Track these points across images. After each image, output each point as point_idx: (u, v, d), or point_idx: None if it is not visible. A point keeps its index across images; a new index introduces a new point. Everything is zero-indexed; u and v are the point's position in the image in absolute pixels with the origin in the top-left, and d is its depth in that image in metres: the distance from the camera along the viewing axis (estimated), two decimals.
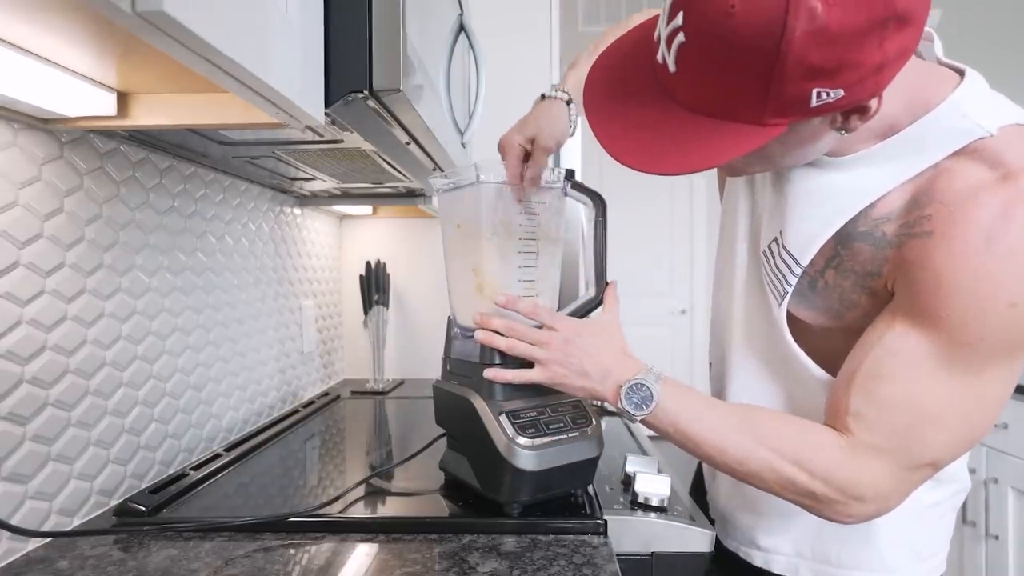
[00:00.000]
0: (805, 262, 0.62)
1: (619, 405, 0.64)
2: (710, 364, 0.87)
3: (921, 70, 0.57)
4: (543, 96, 0.79)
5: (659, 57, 0.52)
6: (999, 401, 0.56)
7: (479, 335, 0.73)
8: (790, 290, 0.64)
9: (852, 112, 0.50)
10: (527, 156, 0.74)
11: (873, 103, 0.49)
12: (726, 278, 0.79)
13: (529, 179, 0.74)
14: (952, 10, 3.21)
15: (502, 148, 0.74)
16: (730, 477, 0.71)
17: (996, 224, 0.51)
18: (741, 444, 0.60)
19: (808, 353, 0.66)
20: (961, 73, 0.57)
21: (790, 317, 0.66)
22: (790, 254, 0.63)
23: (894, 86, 0.50)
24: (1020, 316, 0.51)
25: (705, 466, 0.89)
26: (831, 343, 0.64)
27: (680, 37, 0.48)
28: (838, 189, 0.60)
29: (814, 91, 0.46)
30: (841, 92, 0.46)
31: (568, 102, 0.77)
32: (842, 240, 0.60)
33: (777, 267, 0.65)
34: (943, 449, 0.57)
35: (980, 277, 0.51)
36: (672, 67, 0.50)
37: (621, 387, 0.64)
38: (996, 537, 1.73)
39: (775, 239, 0.66)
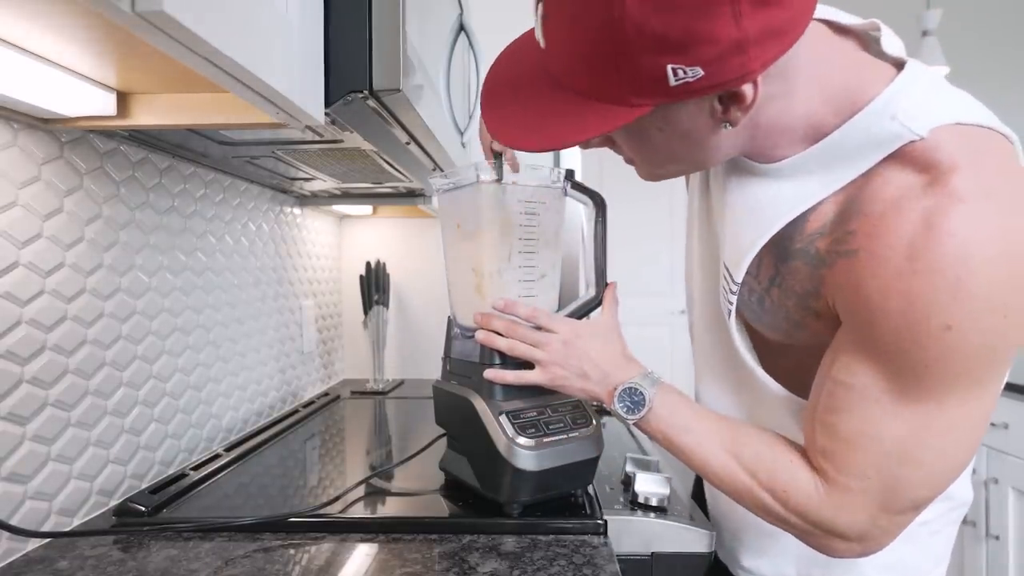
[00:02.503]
0: (739, 278, 0.59)
1: (612, 407, 0.64)
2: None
3: (853, 64, 0.52)
4: None
5: (537, 36, 0.50)
6: (974, 429, 0.50)
7: (479, 335, 0.73)
8: (732, 306, 0.61)
9: (729, 101, 0.47)
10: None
11: (747, 90, 0.45)
12: (689, 291, 0.79)
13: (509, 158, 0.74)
14: (952, 10, 3.20)
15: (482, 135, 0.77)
16: (714, 491, 0.73)
17: (917, 238, 0.45)
18: (726, 465, 0.60)
19: (770, 369, 0.63)
20: (900, 67, 0.51)
21: (752, 331, 0.65)
22: (727, 269, 0.61)
23: (817, 81, 0.48)
24: (960, 339, 0.45)
25: None
26: (792, 359, 0.62)
27: (541, 8, 0.47)
28: (770, 199, 0.55)
29: (669, 67, 0.43)
30: (700, 71, 0.43)
31: None
32: (780, 257, 0.56)
33: (725, 281, 0.63)
34: (921, 487, 0.52)
35: (908, 299, 0.46)
36: (542, 42, 0.49)
37: (615, 389, 0.64)
38: (996, 537, 1.73)
39: (721, 259, 0.64)
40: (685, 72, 0.43)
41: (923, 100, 0.49)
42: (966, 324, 0.45)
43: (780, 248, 0.56)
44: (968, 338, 0.45)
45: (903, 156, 0.48)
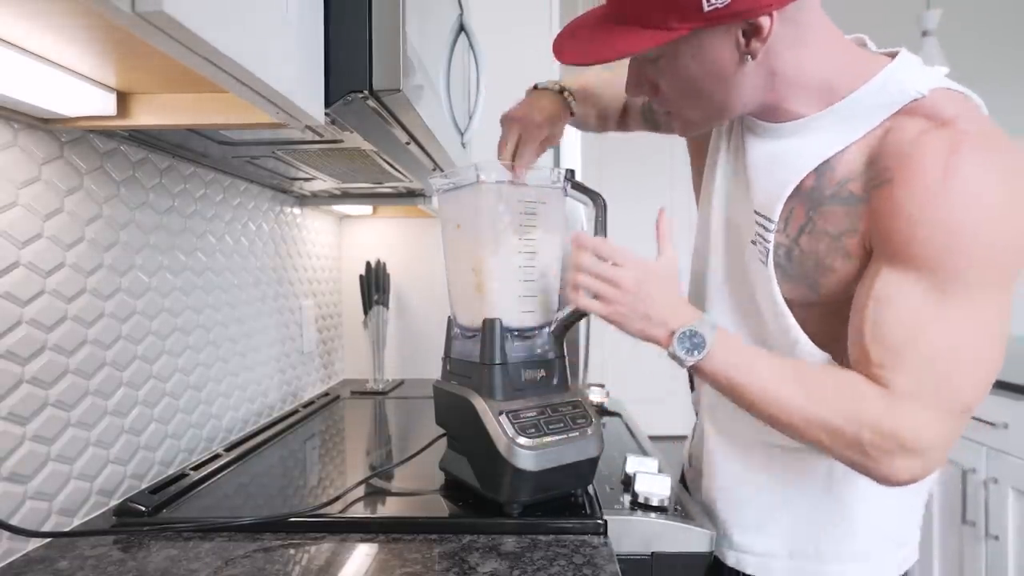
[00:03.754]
0: (776, 217, 0.65)
1: (671, 349, 0.65)
2: None
3: (857, 49, 0.65)
4: (535, 86, 0.87)
5: None
6: (1001, 332, 0.58)
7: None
8: (770, 246, 0.66)
9: (750, 34, 0.57)
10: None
11: (764, 21, 0.56)
12: (703, 254, 0.81)
13: (519, 157, 0.78)
14: (952, 10, 3.21)
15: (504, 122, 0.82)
16: (711, 471, 0.79)
17: (948, 160, 0.55)
18: (792, 398, 0.61)
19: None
20: (893, 57, 0.63)
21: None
22: (763, 216, 0.67)
23: (828, 48, 0.61)
24: (989, 240, 0.55)
25: (689, 465, 0.90)
26: (812, 323, 0.67)
27: None
28: (795, 150, 0.65)
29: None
30: None
31: (560, 91, 0.86)
32: (813, 205, 0.64)
33: (758, 233, 0.68)
34: (968, 385, 0.58)
35: (946, 208, 0.55)
36: None
37: (674, 332, 0.64)
38: (996, 537, 1.73)
39: (755, 212, 0.69)
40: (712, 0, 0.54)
41: (919, 72, 0.61)
42: (992, 226, 0.54)
43: (812, 198, 0.64)
44: (995, 238, 0.55)
45: (911, 111, 0.59)
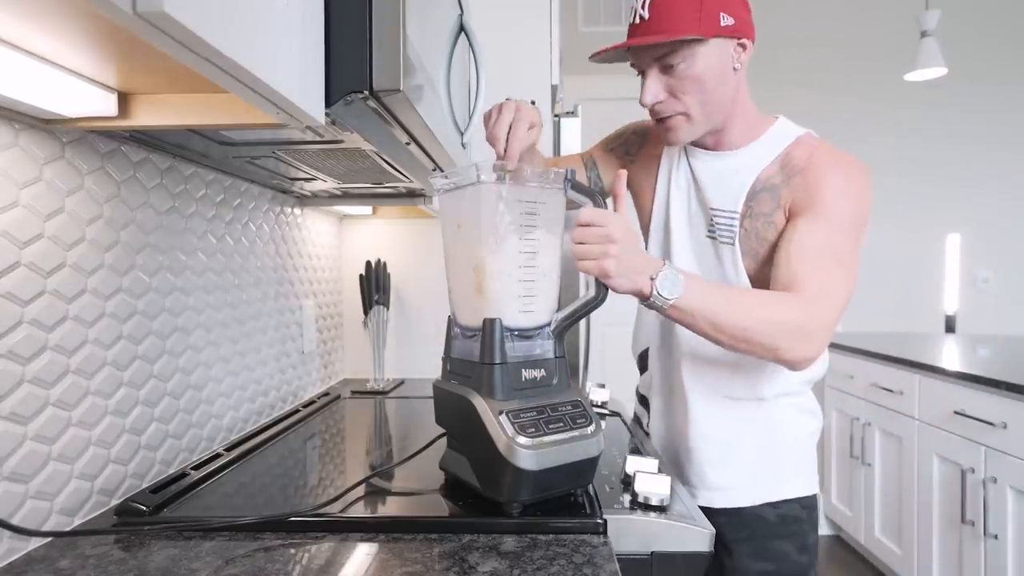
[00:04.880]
0: (739, 209, 0.94)
1: (654, 293, 0.78)
2: (643, 352, 1.15)
3: (755, 109, 0.99)
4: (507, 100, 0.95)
5: (635, 20, 0.90)
6: (855, 261, 0.89)
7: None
8: (736, 232, 0.94)
9: (739, 49, 0.90)
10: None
11: (747, 43, 0.90)
12: (664, 249, 1.06)
13: (513, 133, 0.87)
14: (951, 10, 3.21)
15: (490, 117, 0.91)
16: (694, 423, 1.01)
17: (828, 160, 0.91)
18: (750, 308, 0.82)
19: None
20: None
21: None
22: (725, 210, 0.96)
23: (752, 114, 0.97)
24: (851, 197, 0.89)
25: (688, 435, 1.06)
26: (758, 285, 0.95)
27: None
28: (741, 165, 0.96)
29: (720, 13, 0.86)
30: (732, 20, 0.87)
31: (533, 102, 0.97)
32: (749, 198, 0.95)
33: (719, 224, 0.97)
34: (844, 289, 0.86)
35: (831, 181, 0.89)
36: (646, 15, 0.88)
37: (654, 277, 0.78)
38: (995, 537, 1.73)
39: (712, 208, 0.98)
40: (727, 19, 0.87)
41: (792, 124, 0.99)
42: (851, 191, 0.90)
43: (749, 193, 0.95)
44: (853, 198, 0.89)
45: (796, 144, 0.95)
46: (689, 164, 1.02)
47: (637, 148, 1.13)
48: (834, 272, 0.85)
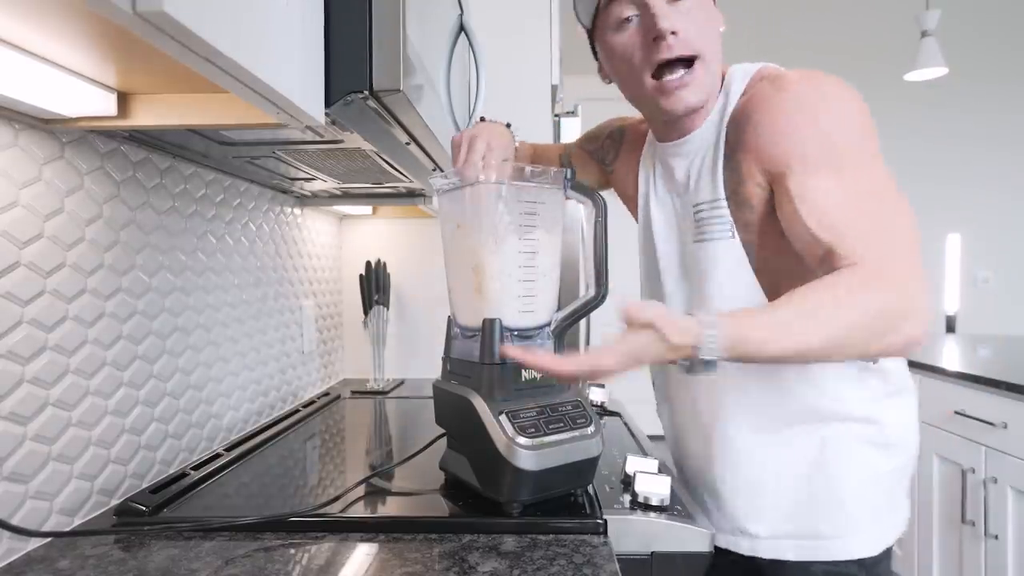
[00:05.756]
0: (721, 193, 0.77)
1: (694, 364, 0.63)
2: None
3: None
4: (482, 119, 0.90)
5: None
6: (900, 193, 0.69)
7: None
8: (729, 222, 0.77)
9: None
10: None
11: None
12: (651, 252, 0.91)
13: (488, 157, 0.80)
14: (952, 10, 3.21)
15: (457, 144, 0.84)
16: (733, 464, 0.82)
17: (778, 86, 0.72)
18: (807, 334, 0.62)
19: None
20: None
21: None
22: (710, 200, 0.79)
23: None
24: (838, 122, 0.69)
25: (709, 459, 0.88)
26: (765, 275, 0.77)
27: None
28: (702, 145, 0.80)
29: None
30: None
31: (507, 125, 0.91)
32: (725, 172, 0.77)
33: (716, 218, 0.79)
34: (907, 227, 0.67)
35: (795, 113, 0.70)
36: None
37: (692, 350, 0.62)
38: (996, 537, 1.73)
39: (696, 205, 0.81)
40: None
41: (747, 64, 0.80)
42: (832, 117, 0.69)
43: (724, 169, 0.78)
44: (843, 122, 0.69)
45: (752, 82, 0.77)
46: (666, 163, 0.86)
47: (613, 156, 1.01)
48: (885, 216, 0.66)
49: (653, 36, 0.73)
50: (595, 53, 0.86)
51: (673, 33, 0.72)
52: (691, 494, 0.89)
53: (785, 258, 0.73)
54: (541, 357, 0.66)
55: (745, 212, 0.76)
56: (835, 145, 0.68)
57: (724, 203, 0.77)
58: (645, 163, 0.92)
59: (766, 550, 0.80)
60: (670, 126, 0.82)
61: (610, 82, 0.85)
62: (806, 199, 0.68)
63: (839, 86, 0.71)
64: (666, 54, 0.73)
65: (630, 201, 0.97)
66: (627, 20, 0.75)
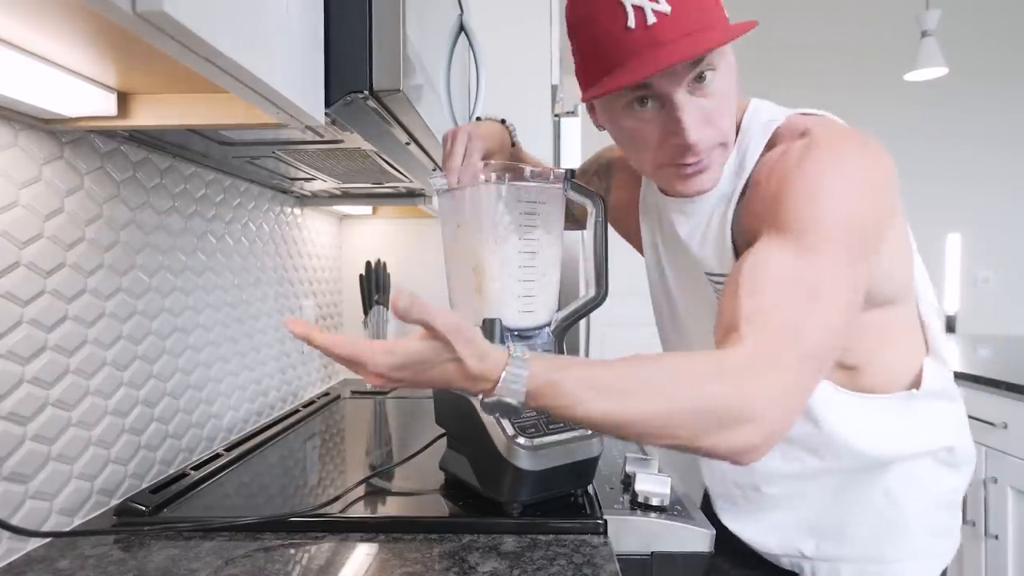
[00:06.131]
0: (728, 270, 0.69)
1: (495, 396, 0.53)
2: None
3: None
4: (478, 118, 0.85)
5: (648, 19, 0.60)
6: (848, 304, 0.60)
7: None
8: None
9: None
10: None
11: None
12: (668, 308, 0.86)
13: (467, 158, 0.74)
14: (952, 10, 3.21)
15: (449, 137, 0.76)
16: (799, 496, 0.78)
17: (802, 153, 0.63)
18: (635, 406, 0.53)
19: None
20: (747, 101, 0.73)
21: None
22: (718, 276, 0.73)
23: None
24: (840, 211, 0.61)
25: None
26: None
27: None
28: (713, 210, 0.72)
29: (724, 10, 0.64)
30: (727, 20, 0.64)
31: (502, 121, 0.86)
32: (738, 238, 0.69)
33: (719, 287, 0.73)
34: (819, 326, 0.57)
35: (803, 182, 0.62)
36: (667, 10, 0.60)
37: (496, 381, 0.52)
38: (996, 537, 1.73)
39: (709, 276, 0.74)
40: (727, 17, 0.64)
41: (770, 107, 0.72)
42: (841, 203, 0.61)
43: (735, 235, 0.70)
44: (845, 213, 0.61)
45: (774, 138, 0.68)
46: (668, 218, 0.77)
47: (605, 190, 0.92)
48: (807, 316, 0.57)
49: (676, 143, 0.65)
50: (590, 106, 0.73)
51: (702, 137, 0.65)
52: (718, 505, 0.86)
53: None
54: (313, 332, 0.54)
55: None
56: (826, 230, 0.60)
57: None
58: (647, 208, 0.84)
59: (822, 571, 0.77)
60: None
61: (604, 130, 0.75)
62: (759, 262, 0.61)
63: (873, 169, 0.63)
64: (691, 161, 0.66)
65: (631, 240, 0.91)
66: (642, 101, 0.64)
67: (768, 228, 0.62)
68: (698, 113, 0.64)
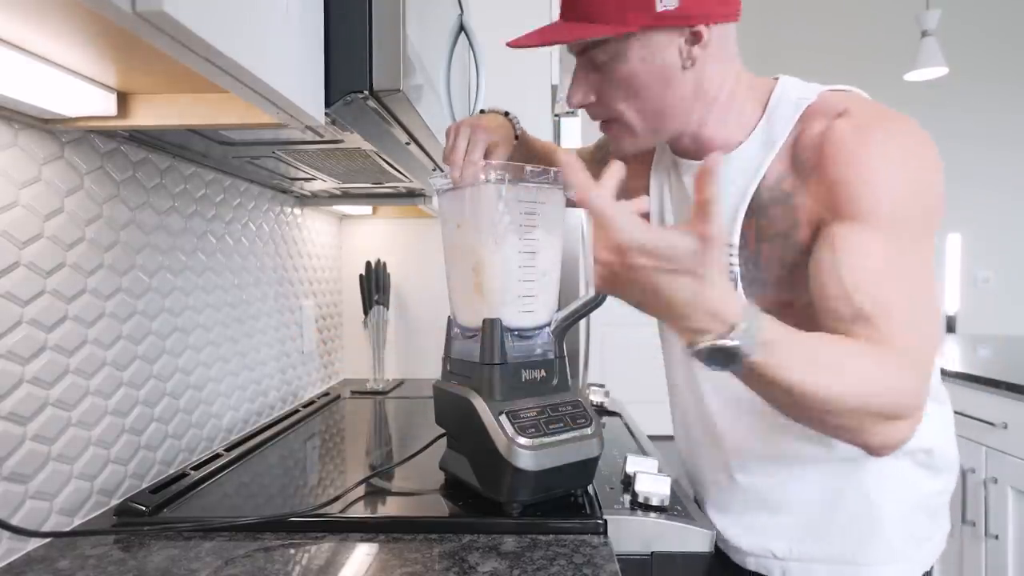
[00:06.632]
0: (735, 241, 0.70)
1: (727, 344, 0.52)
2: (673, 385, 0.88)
3: (752, 81, 0.73)
4: (481, 111, 0.87)
5: None
6: (932, 270, 0.64)
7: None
8: (737, 271, 0.70)
9: (691, 41, 0.65)
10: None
11: (703, 29, 0.64)
12: None
13: (469, 153, 0.75)
14: (952, 10, 3.21)
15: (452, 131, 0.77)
16: (774, 488, 0.77)
17: (856, 136, 0.63)
18: (834, 381, 0.55)
19: None
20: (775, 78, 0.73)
21: None
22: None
23: (737, 69, 0.70)
24: (914, 188, 0.62)
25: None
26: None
27: None
28: (730, 179, 0.70)
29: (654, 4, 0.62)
30: (675, 3, 0.62)
31: (506, 114, 0.87)
32: (759, 215, 0.69)
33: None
34: (934, 332, 0.62)
35: (873, 169, 0.62)
36: None
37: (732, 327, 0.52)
38: (996, 537, 1.73)
39: None
40: (666, 2, 0.62)
41: (802, 84, 0.72)
42: (913, 180, 0.62)
43: (756, 210, 0.69)
44: (918, 189, 0.62)
45: (809, 116, 0.67)
46: (681, 183, 0.78)
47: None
48: (920, 304, 0.60)
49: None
50: None
51: (587, 103, 0.72)
52: (700, 498, 0.87)
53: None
54: (572, 160, 0.53)
55: (777, 258, 0.68)
56: (903, 211, 0.61)
57: (733, 251, 0.70)
58: (659, 171, 0.83)
59: (794, 572, 0.76)
60: (697, 142, 0.73)
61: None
62: (852, 253, 0.60)
63: (923, 145, 0.63)
64: (593, 118, 0.75)
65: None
66: None
67: (849, 216, 0.62)
68: (586, 84, 0.70)
